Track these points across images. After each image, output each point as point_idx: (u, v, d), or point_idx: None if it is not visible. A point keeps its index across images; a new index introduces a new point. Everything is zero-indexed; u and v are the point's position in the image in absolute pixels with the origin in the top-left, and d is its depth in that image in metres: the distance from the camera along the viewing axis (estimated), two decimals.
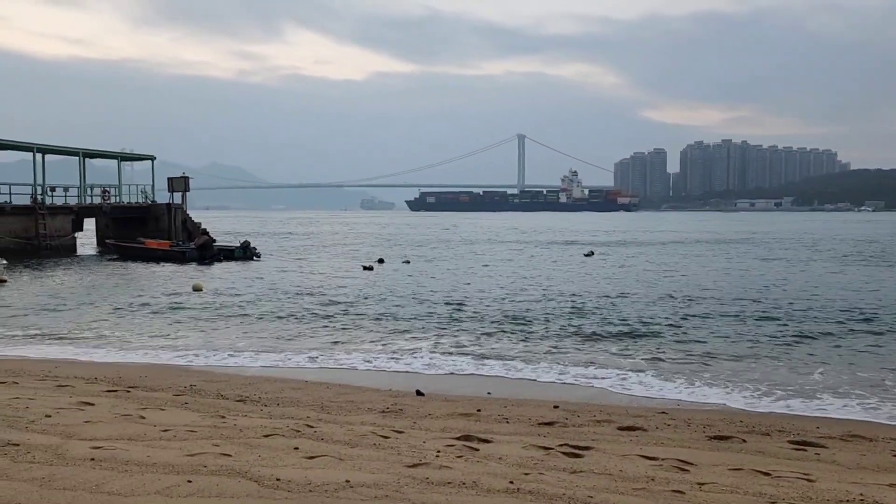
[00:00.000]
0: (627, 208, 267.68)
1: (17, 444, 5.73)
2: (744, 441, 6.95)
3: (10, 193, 36.58)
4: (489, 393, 9.76)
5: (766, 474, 5.59)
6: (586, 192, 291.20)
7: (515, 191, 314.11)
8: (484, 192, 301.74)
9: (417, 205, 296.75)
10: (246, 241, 37.08)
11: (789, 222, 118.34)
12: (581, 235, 66.97)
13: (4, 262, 23.90)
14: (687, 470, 5.68)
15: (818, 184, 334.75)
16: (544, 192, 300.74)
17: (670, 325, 15.41)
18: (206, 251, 33.05)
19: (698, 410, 8.80)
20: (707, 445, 6.75)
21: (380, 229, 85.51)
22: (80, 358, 12.18)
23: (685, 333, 14.37)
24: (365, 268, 29.88)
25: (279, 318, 16.62)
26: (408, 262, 34.68)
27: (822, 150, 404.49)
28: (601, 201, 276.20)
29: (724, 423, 7.80)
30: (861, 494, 5.14)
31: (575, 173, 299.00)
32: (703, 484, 5.26)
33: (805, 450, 6.68)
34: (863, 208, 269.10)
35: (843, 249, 44.12)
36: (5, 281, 22.91)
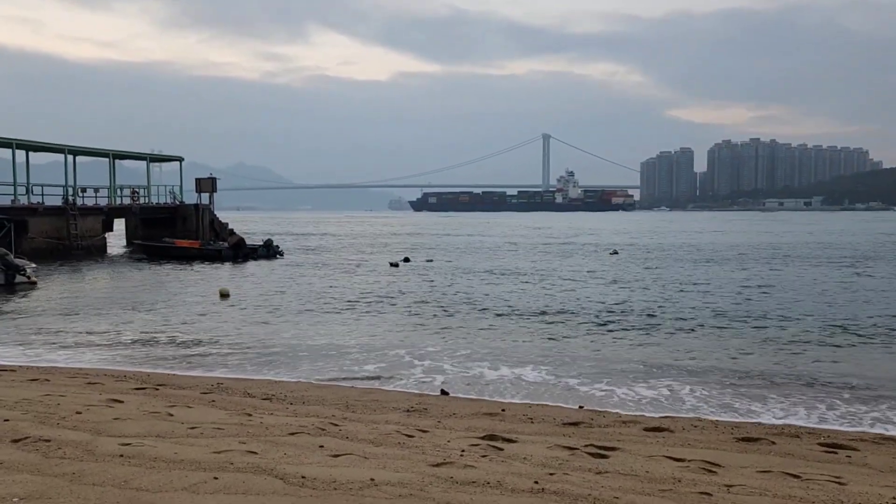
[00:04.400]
0: (623, 208, 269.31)
1: (49, 440, 5.82)
2: (772, 443, 6.85)
3: (42, 194, 37.24)
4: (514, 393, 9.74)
5: (796, 477, 5.50)
6: (581, 192, 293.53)
7: (514, 192, 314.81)
8: (483, 192, 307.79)
9: (419, 205, 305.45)
10: (269, 240, 37.78)
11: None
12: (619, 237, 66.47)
13: (33, 265, 24.38)
14: (714, 472, 5.61)
15: (849, 183, 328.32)
16: (541, 192, 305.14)
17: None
18: (240, 250, 34.85)
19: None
20: (735, 447, 6.66)
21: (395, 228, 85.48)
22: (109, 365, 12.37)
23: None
24: (392, 264, 30.59)
25: (309, 314, 16.73)
26: (430, 260, 35.11)
27: (852, 148, 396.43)
28: (595, 201, 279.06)
29: (752, 425, 7.70)
30: (894, 498, 5.03)
31: (571, 173, 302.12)
32: (730, 486, 5.18)
33: (836, 452, 6.56)
34: None
35: None
36: (35, 283, 23.37)
